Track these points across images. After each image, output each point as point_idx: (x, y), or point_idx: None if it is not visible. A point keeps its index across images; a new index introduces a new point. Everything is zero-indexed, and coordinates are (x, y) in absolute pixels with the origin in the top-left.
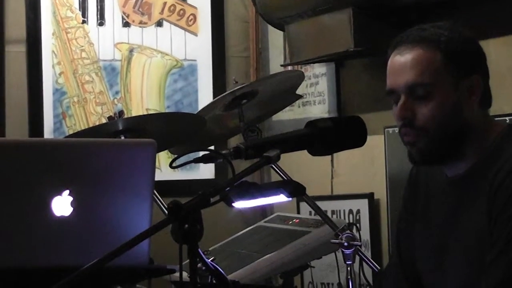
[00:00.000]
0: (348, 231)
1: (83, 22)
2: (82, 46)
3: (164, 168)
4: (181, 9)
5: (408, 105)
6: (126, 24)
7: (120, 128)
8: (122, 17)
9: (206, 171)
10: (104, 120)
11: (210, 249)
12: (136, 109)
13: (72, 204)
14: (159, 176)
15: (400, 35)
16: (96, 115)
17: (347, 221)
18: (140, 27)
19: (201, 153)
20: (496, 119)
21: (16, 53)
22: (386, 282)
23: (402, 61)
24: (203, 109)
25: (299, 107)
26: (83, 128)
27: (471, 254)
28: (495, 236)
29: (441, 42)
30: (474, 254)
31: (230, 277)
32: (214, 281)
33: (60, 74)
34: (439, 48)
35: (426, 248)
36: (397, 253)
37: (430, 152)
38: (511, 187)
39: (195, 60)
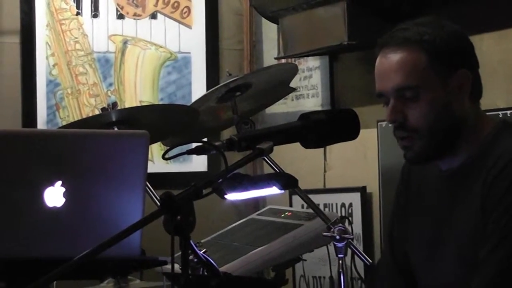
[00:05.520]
0: (340, 224)
1: (77, 13)
2: (76, 38)
3: (157, 160)
4: (175, 2)
5: (398, 108)
6: (120, 16)
7: (113, 119)
8: (116, 9)
9: (199, 163)
10: (97, 112)
11: (202, 241)
12: (130, 101)
13: (64, 195)
14: (152, 168)
15: (384, 36)
16: (90, 107)
17: (339, 214)
18: (134, 19)
19: (194, 145)
20: (489, 113)
21: (10, 45)
22: (379, 276)
23: (387, 64)
24: (196, 101)
25: (292, 100)
26: (76, 119)
27: (463, 248)
28: (488, 231)
29: (425, 42)
30: (466, 249)
31: (222, 269)
32: (206, 273)
33: (54, 65)
34: (423, 48)
35: (420, 242)
36: (390, 247)
37: (425, 153)
38: (505, 182)
39: (189, 53)
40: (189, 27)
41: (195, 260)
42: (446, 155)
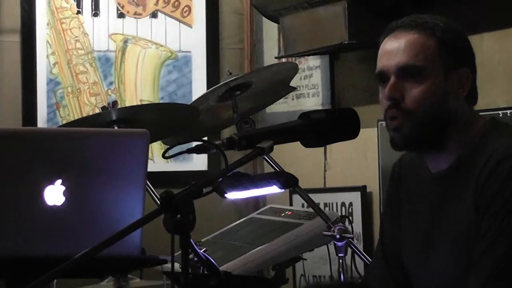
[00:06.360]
0: (341, 224)
1: (78, 12)
2: (77, 37)
3: (157, 159)
4: (176, 1)
5: (398, 86)
6: (120, 15)
7: (114, 118)
8: (117, 7)
9: (199, 162)
10: (98, 111)
11: (202, 240)
12: (130, 100)
13: (64, 193)
14: (152, 167)
15: (395, 21)
16: (90, 106)
17: (339, 213)
18: (135, 18)
19: (194, 144)
20: (490, 113)
21: (10, 43)
22: (371, 276)
23: (396, 43)
24: (196, 100)
25: (293, 99)
26: (76, 118)
27: (457, 249)
28: (483, 230)
29: (437, 30)
30: (460, 249)
31: (222, 268)
32: (206, 272)
33: (54, 64)
34: (435, 35)
35: (412, 244)
36: (382, 247)
37: (414, 137)
38: (498, 181)
39: (189, 52)
40: (190, 26)
41: (195, 259)
42: (432, 150)
